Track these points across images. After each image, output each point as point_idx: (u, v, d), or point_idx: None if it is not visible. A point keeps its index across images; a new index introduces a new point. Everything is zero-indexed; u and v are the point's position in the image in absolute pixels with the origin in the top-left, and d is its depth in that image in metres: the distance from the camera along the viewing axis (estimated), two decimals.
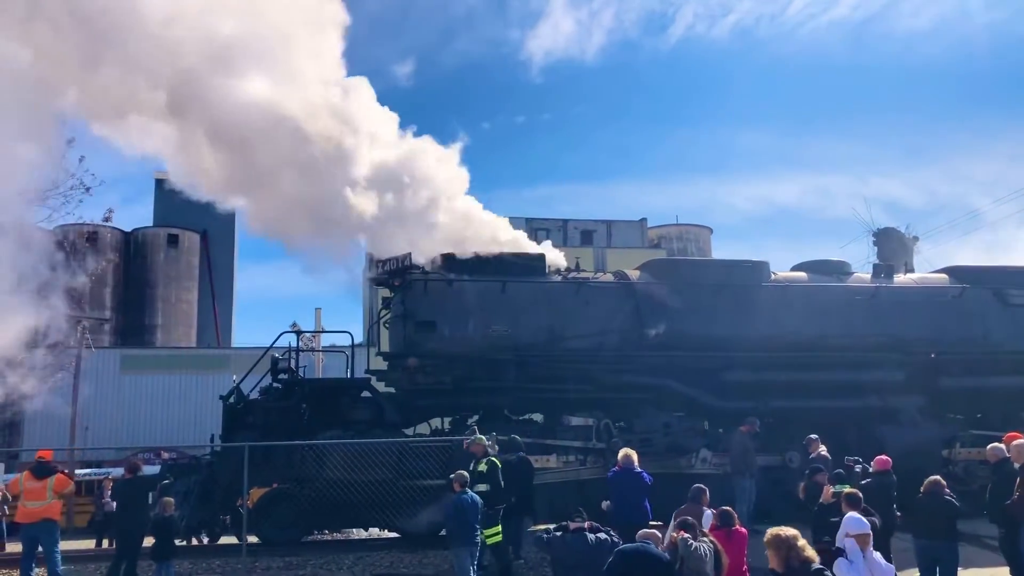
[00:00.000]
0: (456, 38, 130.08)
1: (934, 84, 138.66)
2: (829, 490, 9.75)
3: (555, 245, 19.31)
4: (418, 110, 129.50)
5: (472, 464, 11.27)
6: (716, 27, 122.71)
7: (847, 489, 9.17)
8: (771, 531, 5.37)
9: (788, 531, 5.26)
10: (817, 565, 5.21)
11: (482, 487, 10.90)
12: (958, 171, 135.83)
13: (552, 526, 8.85)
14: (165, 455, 12.71)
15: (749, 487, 14.22)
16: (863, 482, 11.27)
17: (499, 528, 10.90)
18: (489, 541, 10.84)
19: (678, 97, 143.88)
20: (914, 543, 9.90)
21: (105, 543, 18.30)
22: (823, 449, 12.74)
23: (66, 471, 11.81)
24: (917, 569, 10.94)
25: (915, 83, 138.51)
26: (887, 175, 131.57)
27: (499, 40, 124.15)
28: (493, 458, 11.23)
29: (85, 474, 24.78)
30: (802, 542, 5.22)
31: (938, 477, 10.17)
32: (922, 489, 9.93)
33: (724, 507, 8.39)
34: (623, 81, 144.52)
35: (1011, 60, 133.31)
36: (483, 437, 11.62)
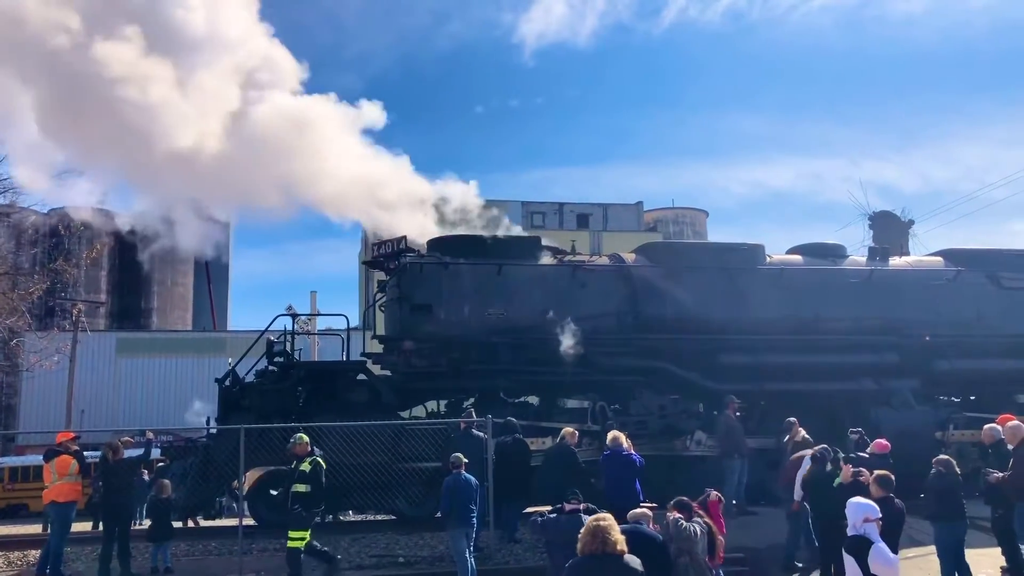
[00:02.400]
0: (449, 21, 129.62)
1: (928, 68, 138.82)
2: (849, 470, 9.65)
3: (551, 228, 19.26)
4: (411, 94, 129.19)
5: (294, 463, 10.65)
6: (709, 10, 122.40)
7: (878, 472, 8.90)
8: (590, 519, 5.37)
9: (604, 520, 5.25)
10: (625, 551, 5.15)
11: (301, 488, 10.33)
12: (951, 155, 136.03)
13: (547, 508, 8.87)
14: (150, 435, 12.62)
15: (739, 468, 14.19)
16: (858, 454, 11.32)
17: (307, 533, 10.39)
18: (290, 544, 10.36)
19: (671, 81, 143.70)
20: (937, 527, 9.62)
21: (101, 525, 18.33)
22: (803, 432, 12.57)
23: (73, 450, 11.79)
24: (911, 550, 11.07)
25: (909, 67, 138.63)
26: (880, 159, 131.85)
27: (492, 23, 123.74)
28: (317, 458, 10.62)
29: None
30: (616, 535, 5.17)
31: (949, 457, 10.12)
32: (942, 470, 9.67)
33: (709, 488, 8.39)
34: (616, 65, 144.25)
35: (1006, 44, 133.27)
36: (304, 436, 10.80)
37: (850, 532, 6.71)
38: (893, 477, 8.64)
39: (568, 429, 12.71)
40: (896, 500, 8.29)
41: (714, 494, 8.09)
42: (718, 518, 7.87)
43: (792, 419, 12.89)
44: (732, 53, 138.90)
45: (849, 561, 6.58)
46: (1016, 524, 9.79)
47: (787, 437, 12.65)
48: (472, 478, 10.55)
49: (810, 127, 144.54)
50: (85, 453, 13.02)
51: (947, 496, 9.52)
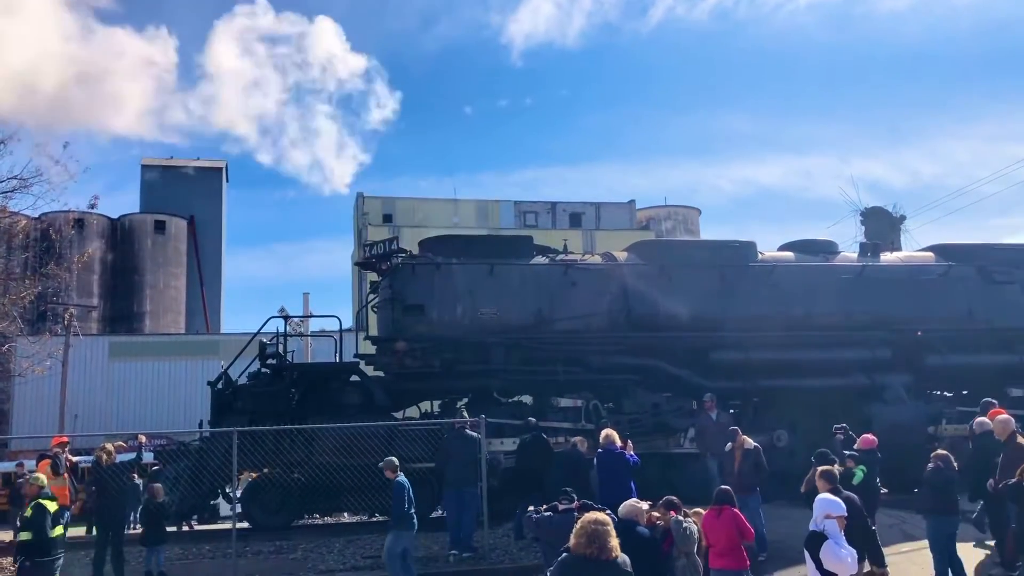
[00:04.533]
0: (437, 22, 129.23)
1: (914, 65, 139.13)
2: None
3: (544, 228, 19.26)
4: (399, 95, 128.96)
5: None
6: (696, 9, 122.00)
7: (822, 468, 8.93)
8: (587, 518, 5.23)
9: (604, 524, 5.04)
10: (619, 555, 5.01)
11: (25, 535, 8.64)
12: (940, 151, 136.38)
13: (544, 507, 8.88)
14: (143, 438, 12.65)
15: (715, 466, 13.33)
16: (845, 452, 11.28)
17: None
18: None
19: (660, 80, 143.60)
20: (931, 521, 9.58)
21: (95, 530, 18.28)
22: (749, 440, 11.74)
23: (51, 453, 11.77)
24: (906, 544, 11.11)
25: (896, 64, 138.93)
26: (869, 156, 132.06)
27: (480, 24, 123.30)
28: (41, 501, 8.84)
29: (75, 461, 24.70)
30: (613, 541, 4.98)
31: (947, 452, 10.11)
32: (940, 464, 9.62)
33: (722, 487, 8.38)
34: (605, 64, 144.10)
35: (990, 42, 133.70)
36: (40, 476, 9.28)
37: (811, 527, 6.71)
38: (837, 474, 8.58)
39: (579, 438, 12.66)
40: (847, 493, 8.25)
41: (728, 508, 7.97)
42: (744, 523, 7.81)
43: (735, 427, 12.10)
44: (720, 52, 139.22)
45: (807, 556, 6.59)
46: (1012, 519, 9.80)
47: (730, 445, 11.79)
48: (407, 481, 10.43)
49: (799, 125, 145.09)
50: (78, 458, 13.01)
51: (943, 491, 9.54)
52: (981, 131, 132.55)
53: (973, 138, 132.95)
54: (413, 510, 10.30)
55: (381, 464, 10.57)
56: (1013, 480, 8.77)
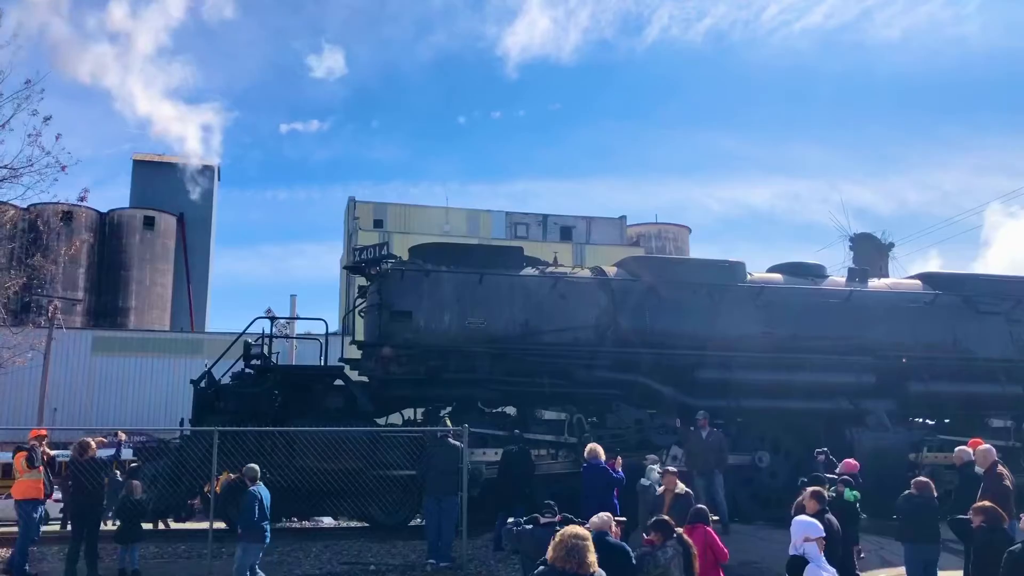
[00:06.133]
0: (433, 31, 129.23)
1: (904, 94, 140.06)
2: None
3: (535, 240, 19.24)
4: (393, 102, 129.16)
5: None
6: (691, 30, 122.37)
7: (812, 488, 9.02)
8: (567, 532, 5.08)
9: (584, 539, 4.96)
10: (598, 571, 4.94)
11: None
12: (927, 180, 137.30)
13: (523, 519, 8.85)
14: (123, 435, 12.57)
15: (701, 485, 13.38)
16: (834, 476, 11.28)
17: None
18: None
19: (653, 98, 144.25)
20: (908, 548, 9.61)
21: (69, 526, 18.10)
22: (682, 485, 10.90)
23: (28, 445, 11.64)
24: (883, 570, 11.11)
25: (886, 92, 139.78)
26: (858, 182, 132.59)
27: (476, 35, 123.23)
28: None
29: (52, 455, 24.41)
30: (592, 556, 4.93)
31: (926, 479, 10.13)
32: (914, 491, 9.71)
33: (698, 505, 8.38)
34: (599, 80, 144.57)
35: (979, 75, 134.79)
36: None
37: (791, 551, 6.68)
38: (826, 494, 8.61)
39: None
40: (828, 515, 8.27)
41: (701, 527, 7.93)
42: (716, 543, 7.77)
43: (672, 468, 11.35)
44: (713, 73, 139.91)
45: None
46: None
47: (663, 488, 10.78)
48: (266, 491, 10.33)
49: (789, 148, 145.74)
50: (56, 452, 12.86)
51: (922, 518, 9.54)
52: (967, 162, 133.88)
53: (959, 168, 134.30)
54: (266, 522, 10.14)
55: (243, 469, 10.49)
56: (961, 516, 8.47)
